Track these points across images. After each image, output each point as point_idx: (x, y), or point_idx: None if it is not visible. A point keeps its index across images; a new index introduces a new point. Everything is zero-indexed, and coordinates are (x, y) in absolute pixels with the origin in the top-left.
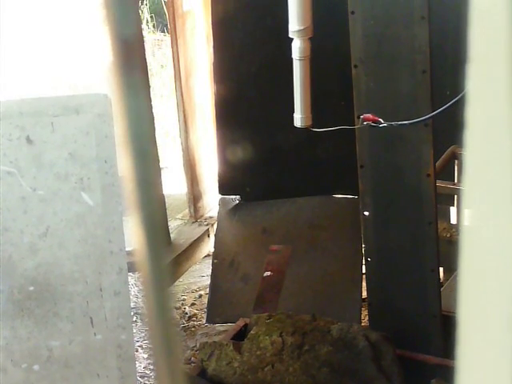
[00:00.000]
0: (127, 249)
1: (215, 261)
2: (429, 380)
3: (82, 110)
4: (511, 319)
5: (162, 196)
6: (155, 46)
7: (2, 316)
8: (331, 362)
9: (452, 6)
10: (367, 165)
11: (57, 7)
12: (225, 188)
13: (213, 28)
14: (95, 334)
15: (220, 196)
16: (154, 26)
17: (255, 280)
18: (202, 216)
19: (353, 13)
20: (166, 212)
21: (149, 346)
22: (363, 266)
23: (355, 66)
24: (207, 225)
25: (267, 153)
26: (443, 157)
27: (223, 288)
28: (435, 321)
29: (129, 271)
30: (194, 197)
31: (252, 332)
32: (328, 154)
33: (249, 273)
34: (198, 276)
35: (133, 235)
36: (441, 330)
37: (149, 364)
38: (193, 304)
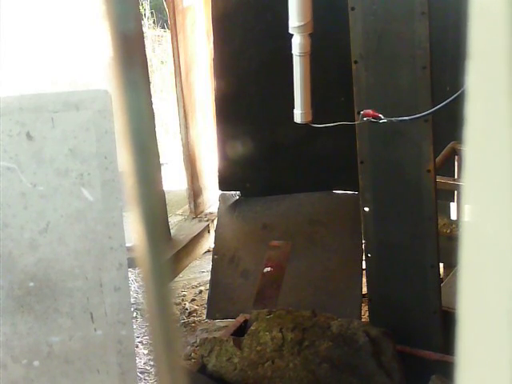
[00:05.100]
0: (127, 244)
1: (215, 256)
2: (429, 376)
3: (83, 106)
4: (511, 315)
5: (162, 192)
6: (155, 41)
7: (2, 312)
8: (331, 358)
9: (452, 1)
10: (367, 161)
11: (57, 3)
12: (225, 184)
13: (213, 24)
14: (95, 330)
15: (220, 192)
16: (154, 22)
17: (255, 276)
18: (202, 212)
19: (353, 9)
20: (166, 208)
21: (149, 341)
22: (363, 262)
23: (355, 62)
24: (207, 220)
25: (267, 149)
26: (443, 153)
27: (223, 284)
28: (435, 317)
29: (129, 267)
30: (194, 192)
31: (252, 328)
32: (328, 149)
33: (249, 268)
34: (198, 272)
35: (133, 231)
36: (441, 326)
37: (149, 360)
38: (193, 300)
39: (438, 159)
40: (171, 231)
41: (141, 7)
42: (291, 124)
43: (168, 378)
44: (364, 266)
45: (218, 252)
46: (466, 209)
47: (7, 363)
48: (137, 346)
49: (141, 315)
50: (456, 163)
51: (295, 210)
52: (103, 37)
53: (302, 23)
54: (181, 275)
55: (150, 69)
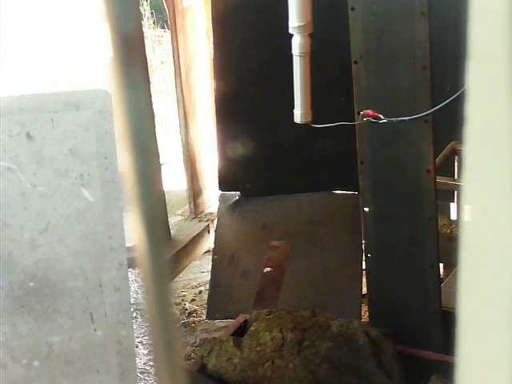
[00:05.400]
0: (127, 245)
1: (215, 257)
2: (429, 376)
3: (82, 106)
4: (511, 315)
5: (162, 192)
6: (155, 42)
7: (2, 312)
8: (331, 358)
9: (452, 1)
10: (367, 161)
11: (57, 3)
12: (225, 184)
13: (213, 24)
14: (95, 330)
15: (220, 192)
16: (154, 22)
17: (255, 276)
18: (202, 212)
19: (353, 9)
20: (166, 208)
21: (149, 341)
22: (363, 262)
23: (355, 62)
24: (207, 221)
25: (267, 149)
26: (443, 153)
27: (223, 284)
28: (435, 317)
29: (129, 267)
30: (194, 193)
31: (252, 328)
32: (328, 150)
33: (249, 269)
34: (198, 272)
35: (133, 231)
36: (441, 326)
37: (149, 360)
38: (193, 300)
39: (437, 159)
40: (171, 231)
41: (141, 7)
42: (291, 124)
43: (168, 379)
44: (364, 266)
45: (217, 252)
46: (466, 209)
47: (7, 363)
48: (137, 346)
49: (141, 315)
50: (456, 163)
51: (295, 210)
52: (103, 37)
53: (302, 23)
54: (181, 275)
55: (149, 69)
